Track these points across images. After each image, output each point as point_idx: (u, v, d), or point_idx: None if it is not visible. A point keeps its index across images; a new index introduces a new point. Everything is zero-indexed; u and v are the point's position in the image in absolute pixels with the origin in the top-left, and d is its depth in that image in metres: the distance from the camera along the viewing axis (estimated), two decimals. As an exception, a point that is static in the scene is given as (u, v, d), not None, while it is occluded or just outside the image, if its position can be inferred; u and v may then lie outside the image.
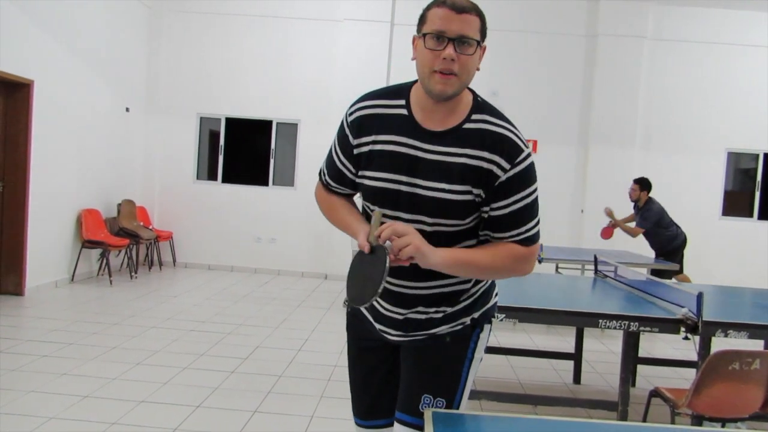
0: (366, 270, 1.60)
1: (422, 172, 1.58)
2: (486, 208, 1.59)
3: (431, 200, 1.58)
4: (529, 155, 1.58)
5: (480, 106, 1.61)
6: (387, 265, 1.53)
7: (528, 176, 1.58)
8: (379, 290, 1.52)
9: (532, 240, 1.63)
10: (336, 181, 1.77)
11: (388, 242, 1.56)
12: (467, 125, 1.58)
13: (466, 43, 1.49)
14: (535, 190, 1.60)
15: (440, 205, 1.58)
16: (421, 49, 1.53)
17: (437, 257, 1.53)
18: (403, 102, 1.63)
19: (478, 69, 1.56)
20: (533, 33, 8.86)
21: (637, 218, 6.82)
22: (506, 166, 1.55)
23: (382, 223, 1.60)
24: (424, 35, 1.51)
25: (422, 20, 1.55)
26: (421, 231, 1.60)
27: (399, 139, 1.60)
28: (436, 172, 1.57)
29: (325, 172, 1.80)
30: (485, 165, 1.55)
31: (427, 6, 1.54)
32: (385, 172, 1.61)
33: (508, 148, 1.56)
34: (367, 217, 1.73)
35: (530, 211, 1.60)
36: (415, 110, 1.61)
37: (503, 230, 1.60)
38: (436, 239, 1.60)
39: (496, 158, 1.55)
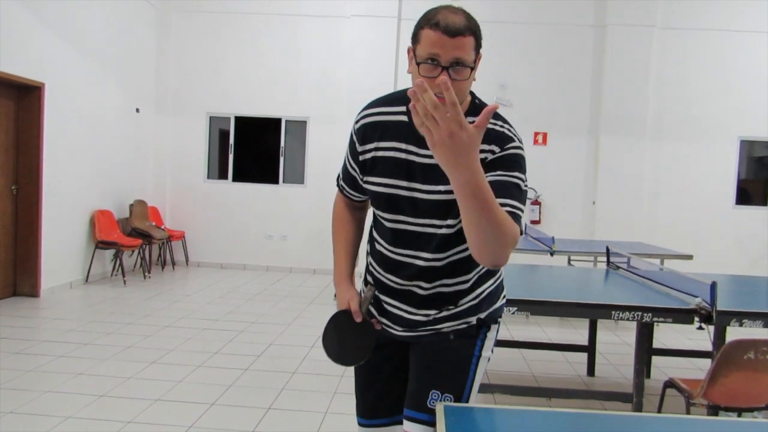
0: (351, 334, 1.78)
1: (420, 176, 1.61)
2: None
3: (430, 202, 1.61)
4: (519, 147, 1.57)
5: (475, 108, 1.60)
6: (375, 339, 1.76)
7: (516, 160, 1.55)
8: (363, 361, 1.79)
9: (516, 217, 1.47)
10: (350, 186, 1.83)
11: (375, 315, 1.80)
12: None
13: (460, 67, 1.46)
14: (522, 179, 1.55)
15: (440, 206, 1.60)
16: (416, 74, 1.51)
17: (471, 161, 1.23)
18: (404, 108, 1.64)
19: (474, 79, 1.53)
20: (541, 24, 8.80)
21: None
22: (496, 150, 1.55)
23: (371, 302, 1.79)
24: (418, 63, 1.48)
25: (416, 38, 1.51)
26: (430, 234, 1.65)
27: (398, 146, 1.63)
28: (432, 175, 1.58)
29: (341, 176, 1.86)
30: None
31: (420, 23, 1.50)
32: (386, 177, 1.65)
33: (501, 139, 1.56)
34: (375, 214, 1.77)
35: (516, 189, 1.52)
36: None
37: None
38: (445, 241, 1.64)
39: (487, 147, 1.54)
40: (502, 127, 1.59)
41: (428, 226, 1.64)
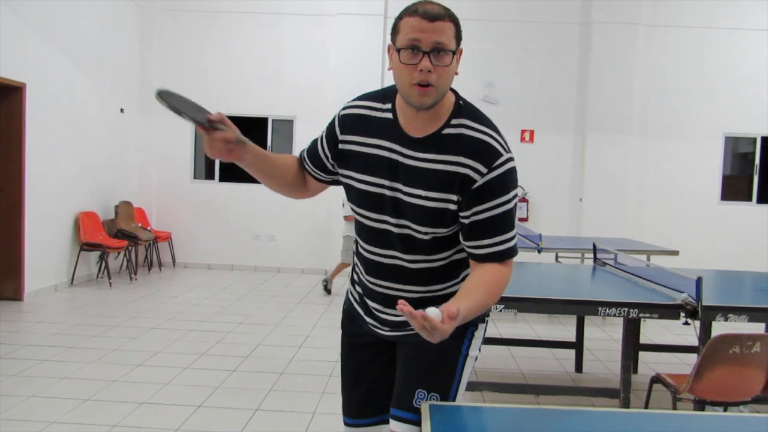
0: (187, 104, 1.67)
1: (402, 177, 1.59)
2: (463, 214, 1.56)
3: (412, 206, 1.59)
4: (508, 160, 1.55)
5: (460, 109, 1.59)
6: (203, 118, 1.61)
7: (506, 182, 1.54)
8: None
9: (510, 253, 1.58)
10: (311, 159, 1.80)
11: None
12: (446, 130, 1.57)
13: (442, 53, 1.46)
14: (514, 198, 1.55)
15: (420, 212, 1.58)
16: (397, 63, 1.50)
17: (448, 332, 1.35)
18: (389, 106, 1.63)
19: (456, 73, 1.53)
20: (527, 22, 8.81)
21: None
22: (483, 170, 1.52)
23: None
24: (399, 50, 1.48)
25: (395, 30, 1.51)
26: (412, 237, 1.63)
27: (383, 143, 1.61)
28: (414, 179, 1.57)
29: (306, 150, 1.83)
30: (461, 170, 1.54)
31: (399, 15, 1.51)
32: (370, 175, 1.63)
33: (486, 152, 1.53)
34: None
35: (507, 219, 1.55)
36: (399, 115, 1.60)
37: (478, 238, 1.55)
38: (435, 245, 1.63)
39: (472, 163, 1.53)
40: (488, 136, 1.56)
41: (408, 229, 1.62)
